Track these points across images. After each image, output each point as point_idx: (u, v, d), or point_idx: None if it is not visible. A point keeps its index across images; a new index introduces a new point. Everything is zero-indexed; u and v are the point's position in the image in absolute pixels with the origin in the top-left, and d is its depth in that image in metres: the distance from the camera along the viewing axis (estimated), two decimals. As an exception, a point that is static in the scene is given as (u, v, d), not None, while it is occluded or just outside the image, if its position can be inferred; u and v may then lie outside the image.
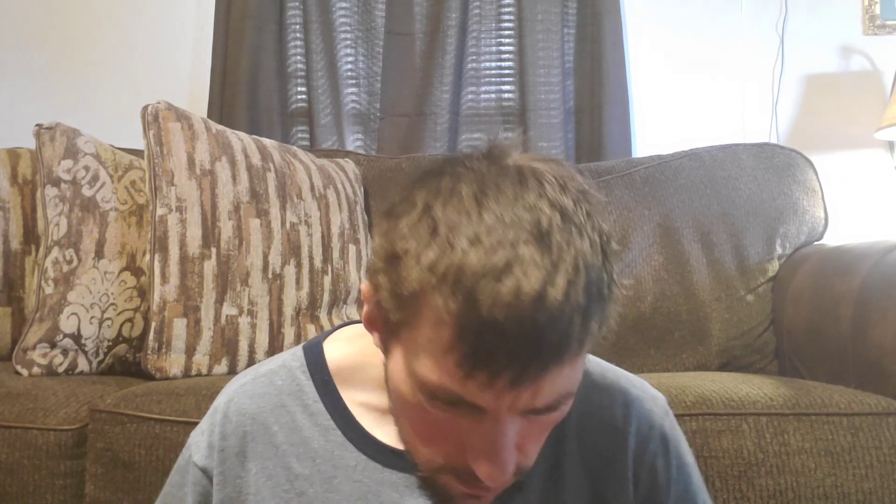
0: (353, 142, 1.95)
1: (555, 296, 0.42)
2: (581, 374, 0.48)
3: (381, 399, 0.58)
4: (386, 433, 0.59)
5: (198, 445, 0.62)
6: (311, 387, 0.61)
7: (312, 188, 1.40)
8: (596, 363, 0.64)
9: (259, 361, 1.22)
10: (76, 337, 1.23)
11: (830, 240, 1.48)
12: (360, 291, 1.35)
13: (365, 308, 0.53)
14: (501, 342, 0.42)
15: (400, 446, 0.57)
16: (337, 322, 1.36)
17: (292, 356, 0.64)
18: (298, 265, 1.32)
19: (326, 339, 0.65)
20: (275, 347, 1.25)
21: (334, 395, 0.61)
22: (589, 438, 0.60)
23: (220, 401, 0.64)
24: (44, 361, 1.21)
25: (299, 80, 1.94)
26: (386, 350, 0.52)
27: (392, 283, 0.47)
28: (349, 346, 0.62)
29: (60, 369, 1.22)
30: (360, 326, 0.57)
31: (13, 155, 1.51)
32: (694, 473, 0.63)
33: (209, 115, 1.86)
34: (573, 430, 0.60)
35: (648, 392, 0.64)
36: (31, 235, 1.46)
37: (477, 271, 0.42)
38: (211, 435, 0.62)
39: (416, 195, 0.48)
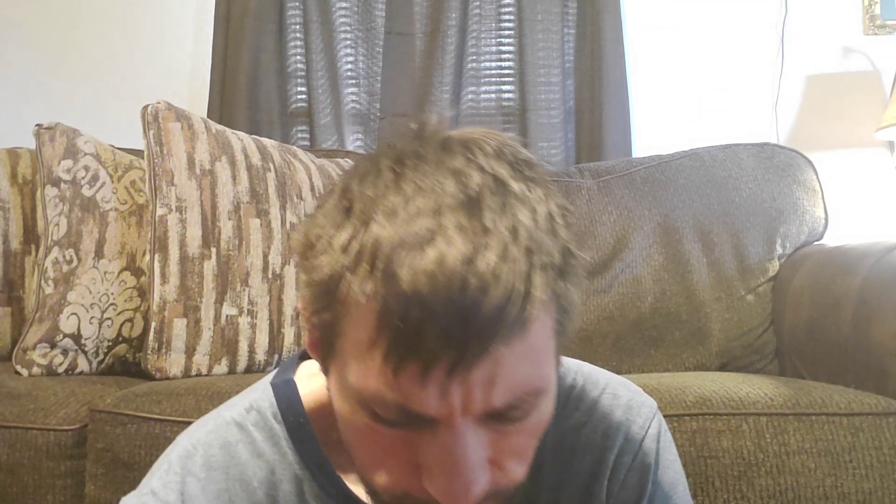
0: (353, 142, 1.95)
1: (487, 263, 0.35)
2: (551, 372, 0.41)
3: None
4: None
5: None
6: (283, 432, 0.52)
7: (312, 188, 1.40)
8: (577, 371, 0.57)
9: (259, 362, 1.24)
10: (76, 337, 1.23)
11: (830, 240, 1.48)
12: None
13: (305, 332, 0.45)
14: (429, 321, 0.35)
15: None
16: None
17: (262, 396, 0.54)
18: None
19: (297, 369, 0.56)
20: (275, 347, 1.25)
21: (312, 442, 0.51)
22: (567, 459, 0.54)
23: (174, 455, 0.51)
24: (44, 361, 1.21)
25: (299, 80, 1.94)
26: (326, 371, 0.44)
27: (308, 276, 0.41)
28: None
29: (60, 369, 1.22)
30: None
31: (13, 155, 1.51)
32: (675, 494, 0.56)
33: (209, 115, 1.86)
34: (550, 451, 0.54)
35: (635, 400, 0.57)
36: (31, 235, 1.46)
37: (395, 244, 0.36)
38: (166, 496, 0.49)
39: (338, 181, 0.43)
